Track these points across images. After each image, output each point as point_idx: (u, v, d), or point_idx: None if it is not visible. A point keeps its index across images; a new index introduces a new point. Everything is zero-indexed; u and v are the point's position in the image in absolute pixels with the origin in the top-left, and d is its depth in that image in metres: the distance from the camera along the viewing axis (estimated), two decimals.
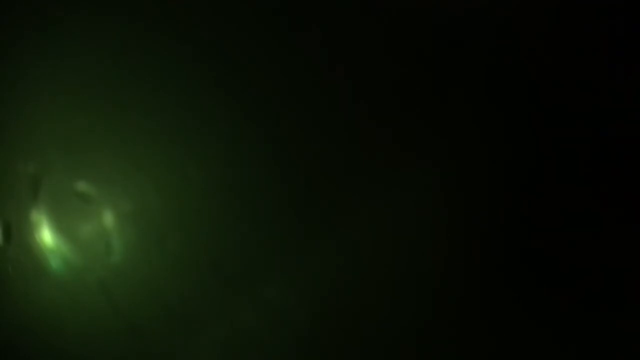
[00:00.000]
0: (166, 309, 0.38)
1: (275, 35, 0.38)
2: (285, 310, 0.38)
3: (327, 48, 0.38)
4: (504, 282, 0.37)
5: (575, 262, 0.37)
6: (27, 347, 0.39)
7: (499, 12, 0.37)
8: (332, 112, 0.38)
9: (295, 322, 0.38)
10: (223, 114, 0.38)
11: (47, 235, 0.39)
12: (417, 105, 0.38)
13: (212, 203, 0.38)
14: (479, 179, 0.37)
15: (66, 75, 0.39)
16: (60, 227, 0.39)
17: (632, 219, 0.37)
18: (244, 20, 0.38)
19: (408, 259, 0.37)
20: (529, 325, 0.37)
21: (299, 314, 0.38)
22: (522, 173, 0.37)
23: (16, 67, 0.40)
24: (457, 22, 0.38)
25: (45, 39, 0.40)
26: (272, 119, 0.38)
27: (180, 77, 0.39)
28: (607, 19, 0.37)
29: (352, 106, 0.38)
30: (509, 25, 0.37)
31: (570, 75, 0.37)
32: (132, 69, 0.39)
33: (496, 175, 0.37)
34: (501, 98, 0.37)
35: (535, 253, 0.37)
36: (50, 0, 0.40)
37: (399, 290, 0.37)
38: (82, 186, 0.39)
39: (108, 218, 0.39)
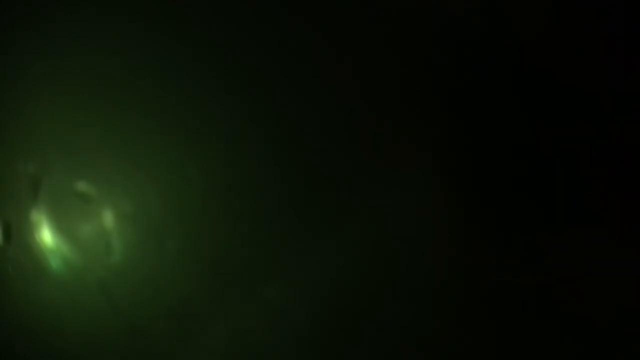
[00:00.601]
0: (166, 309, 0.38)
1: (275, 35, 0.38)
2: (285, 310, 0.38)
3: (327, 48, 0.38)
4: (504, 282, 0.37)
5: (576, 262, 0.37)
6: (27, 347, 0.39)
7: (499, 12, 0.37)
8: (332, 112, 0.38)
9: (295, 322, 0.38)
10: (223, 114, 0.38)
11: (47, 235, 0.39)
12: (417, 105, 0.38)
13: (212, 203, 0.38)
14: (479, 179, 0.37)
15: (66, 75, 0.39)
16: (60, 227, 0.39)
17: (633, 220, 0.37)
18: (244, 20, 0.38)
19: (408, 259, 0.37)
20: (530, 325, 0.37)
21: (299, 314, 0.38)
22: (523, 173, 0.37)
23: (16, 67, 0.40)
24: (458, 22, 0.38)
25: (45, 39, 0.40)
26: (272, 118, 0.38)
27: (180, 77, 0.39)
28: (607, 19, 0.37)
29: (352, 106, 0.38)
30: (510, 25, 0.37)
31: (570, 76, 0.37)
32: (132, 69, 0.39)
33: (496, 175, 0.37)
34: (502, 98, 0.37)
35: (536, 253, 0.37)
36: (50, 0, 0.40)
37: (399, 290, 0.37)
38: (82, 186, 0.39)
39: (108, 218, 0.39)
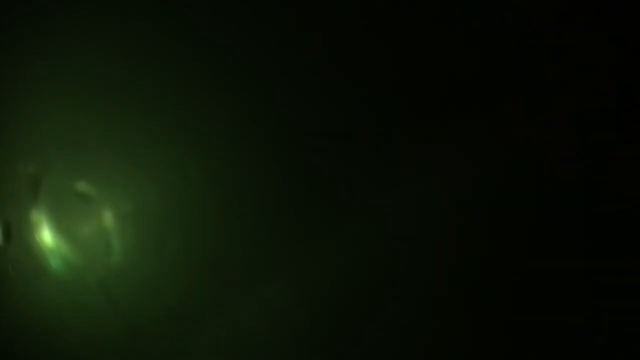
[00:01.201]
0: (166, 309, 0.38)
1: (275, 35, 0.38)
2: (285, 310, 0.38)
3: (327, 48, 0.38)
4: (505, 282, 0.37)
5: (576, 262, 0.37)
6: (27, 347, 0.39)
7: (501, 12, 0.37)
8: (332, 112, 0.38)
9: (295, 322, 0.38)
10: (223, 114, 0.38)
11: (47, 235, 0.39)
12: (417, 105, 0.38)
13: (212, 203, 0.38)
14: (479, 179, 0.37)
15: (66, 75, 0.39)
16: (60, 227, 0.39)
17: (634, 221, 0.37)
18: (244, 20, 0.38)
19: (408, 259, 0.37)
20: (530, 326, 0.37)
21: (299, 314, 0.38)
22: (523, 173, 0.37)
23: (16, 67, 0.40)
24: (459, 22, 0.38)
25: (45, 39, 0.40)
26: (272, 119, 0.38)
27: (180, 77, 0.39)
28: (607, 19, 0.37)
29: (353, 106, 0.38)
30: (511, 26, 0.37)
31: (572, 76, 0.37)
32: (132, 69, 0.39)
33: (497, 175, 0.37)
34: (502, 98, 0.37)
35: (536, 253, 0.37)
36: (50, 0, 0.40)
37: (399, 291, 0.37)
38: (82, 186, 0.39)
39: (108, 218, 0.39)
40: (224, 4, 0.39)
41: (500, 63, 0.37)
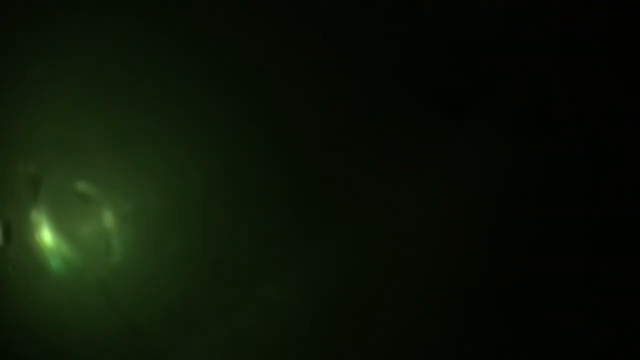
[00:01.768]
0: (166, 309, 0.38)
1: (275, 35, 0.38)
2: (285, 310, 0.38)
3: (327, 48, 0.38)
4: (505, 282, 0.37)
5: (577, 262, 0.37)
6: (27, 347, 0.39)
7: (502, 13, 0.37)
8: (332, 112, 0.38)
9: (295, 322, 0.38)
10: (223, 114, 0.38)
11: (47, 235, 0.39)
12: (417, 106, 0.38)
13: (212, 203, 0.38)
14: (479, 179, 0.37)
15: (66, 75, 0.39)
16: (60, 227, 0.39)
17: (635, 221, 0.37)
18: (244, 20, 0.38)
19: (408, 259, 0.37)
20: (531, 326, 0.37)
21: (299, 314, 0.38)
22: (523, 173, 0.37)
23: (16, 67, 0.40)
24: (460, 22, 0.38)
25: (45, 39, 0.40)
26: (272, 119, 0.38)
27: (180, 77, 0.39)
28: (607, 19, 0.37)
29: (353, 106, 0.38)
30: (512, 26, 0.37)
31: (572, 76, 0.37)
32: (132, 69, 0.39)
33: (497, 175, 0.37)
34: (502, 98, 0.37)
35: (537, 252, 0.37)
36: (50, 0, 0.40)
37: (399, 290, 0.37)
38: (82, 186, 0.39)
39: (108, 218, 0.39)
40: (224, 4, 0.39)
41: (500, 63, 0.37)
